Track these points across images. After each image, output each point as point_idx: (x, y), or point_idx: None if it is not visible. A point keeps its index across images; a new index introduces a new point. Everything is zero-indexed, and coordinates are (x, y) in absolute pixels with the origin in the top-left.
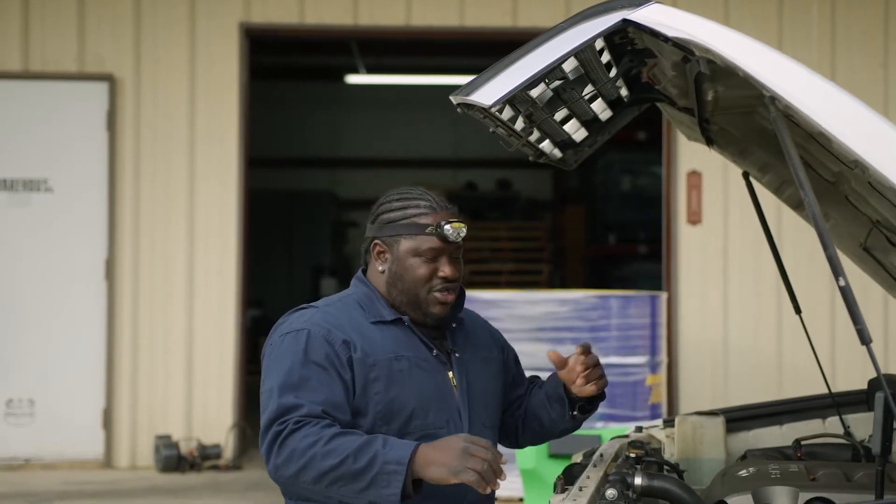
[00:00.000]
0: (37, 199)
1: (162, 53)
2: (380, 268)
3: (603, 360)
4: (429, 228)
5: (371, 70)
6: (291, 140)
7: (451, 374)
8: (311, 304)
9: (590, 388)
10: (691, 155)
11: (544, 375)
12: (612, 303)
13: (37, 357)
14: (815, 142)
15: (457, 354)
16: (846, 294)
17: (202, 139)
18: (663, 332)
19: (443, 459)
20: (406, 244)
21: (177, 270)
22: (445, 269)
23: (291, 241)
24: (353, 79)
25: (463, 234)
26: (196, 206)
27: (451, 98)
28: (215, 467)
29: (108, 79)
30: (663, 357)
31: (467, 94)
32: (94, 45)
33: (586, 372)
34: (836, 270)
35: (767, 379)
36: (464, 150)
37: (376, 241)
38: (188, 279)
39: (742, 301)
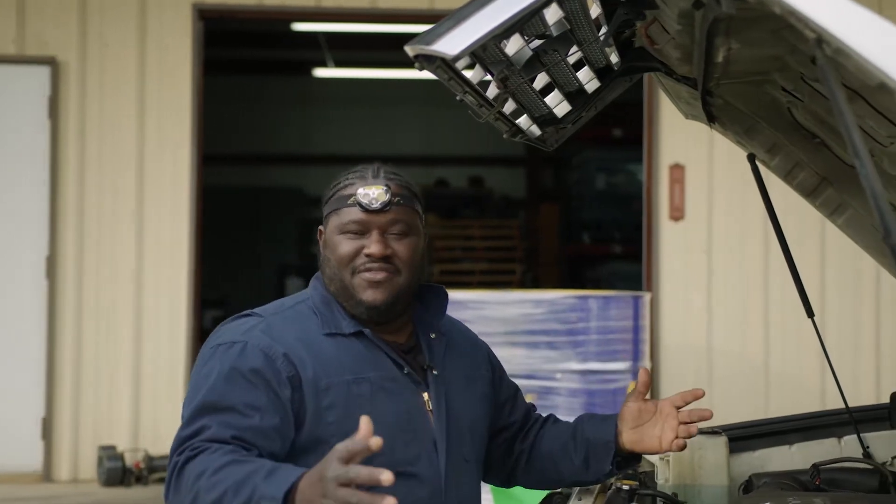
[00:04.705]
0: None
1: (109, 35)
2: (321, 257)
3: (582, 367)
4: (351, 198)
5: (340, 65)
6: (258, 136)
7: (426, 395)
8: (255, 311)
9: (678, 444)
10: (674, 147)
11: (518, 381)
12: (592, 304)
13: None
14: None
15: (434, 371)
16: None
17: (152, 129)
18: (646, 335)
19: (313, 496)
20: (333, 221)
21: (124, 270)
22: (370, 246)
23: (257, 240)
24: (321, 73)
25: (382, 200)
26: (145, 202)
27: (406, 49)
28: (163, 480)
29: (51, 62)
30: (646, 363)
31: (427, 44)
32: (36, 26)
33: (688, 426)
34: None
35: (754, 386)
36: (435, 146)
37: (319, 227)
38: (136, 279)
39: (727, 302)
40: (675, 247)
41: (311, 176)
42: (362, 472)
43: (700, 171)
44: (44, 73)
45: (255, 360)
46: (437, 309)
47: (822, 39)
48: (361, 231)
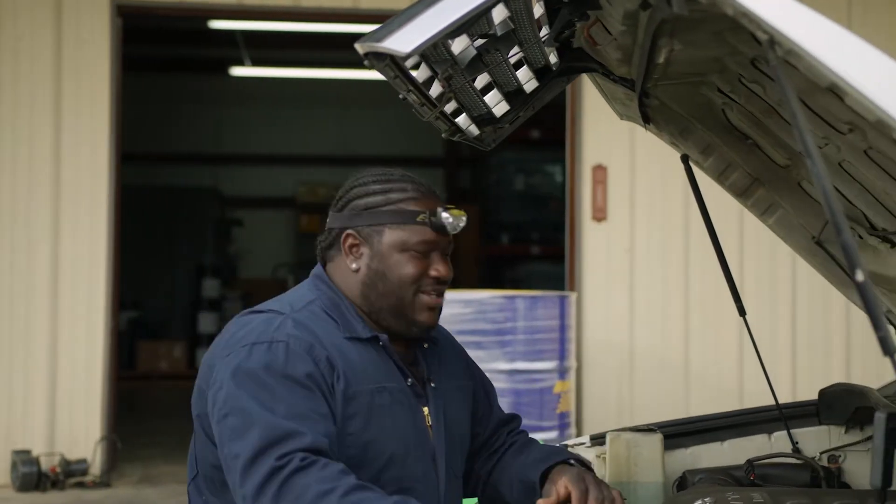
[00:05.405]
0: None
1: (24, 31)
2: (353, 265)
3: (509, 366)
4: (420, 216)
5: (257, 63)
6: (173, 135)
7: (426, 409)
8: (269, 306)
9: None
10: (596, 148)
11: None
12: (519, 304)
13: None
14: (775, 114)
15: (433, 384)
16: (865, 291)
17: (69, 126)
18: (573, 335)
19: None
20: (391, 236)
21: (39, 269)
22: (439, 268)
23: (172, 240)
24: (238, 71)
25: (462, 225)
26: (62, 201)
27: (356, 46)
28: (80, 484)
29: None
30: (572, 362)
31: (378, 41)
32: None
33: None
34: (854, 261)
35: (674, 384)
36: (352, 146)
37: (349, 231)
38: (52, 279)
39: (649, 302)
40: (597, 247)
41: (226, 176)
42: None
43: (622, 172)
44: None
45: (305, 365)
46: None
47: (774, 41)
48: (428, 251)
